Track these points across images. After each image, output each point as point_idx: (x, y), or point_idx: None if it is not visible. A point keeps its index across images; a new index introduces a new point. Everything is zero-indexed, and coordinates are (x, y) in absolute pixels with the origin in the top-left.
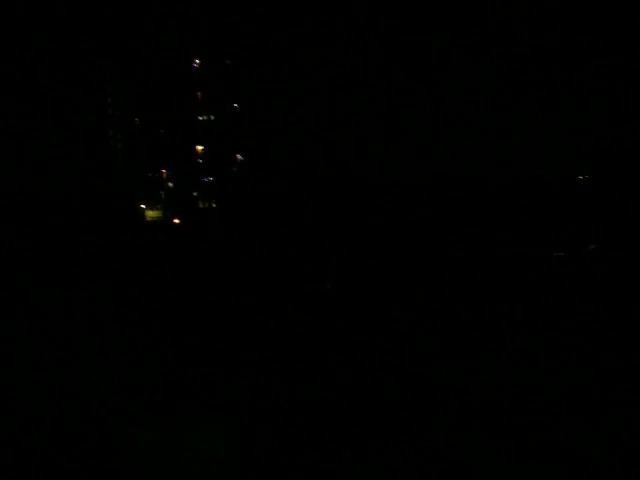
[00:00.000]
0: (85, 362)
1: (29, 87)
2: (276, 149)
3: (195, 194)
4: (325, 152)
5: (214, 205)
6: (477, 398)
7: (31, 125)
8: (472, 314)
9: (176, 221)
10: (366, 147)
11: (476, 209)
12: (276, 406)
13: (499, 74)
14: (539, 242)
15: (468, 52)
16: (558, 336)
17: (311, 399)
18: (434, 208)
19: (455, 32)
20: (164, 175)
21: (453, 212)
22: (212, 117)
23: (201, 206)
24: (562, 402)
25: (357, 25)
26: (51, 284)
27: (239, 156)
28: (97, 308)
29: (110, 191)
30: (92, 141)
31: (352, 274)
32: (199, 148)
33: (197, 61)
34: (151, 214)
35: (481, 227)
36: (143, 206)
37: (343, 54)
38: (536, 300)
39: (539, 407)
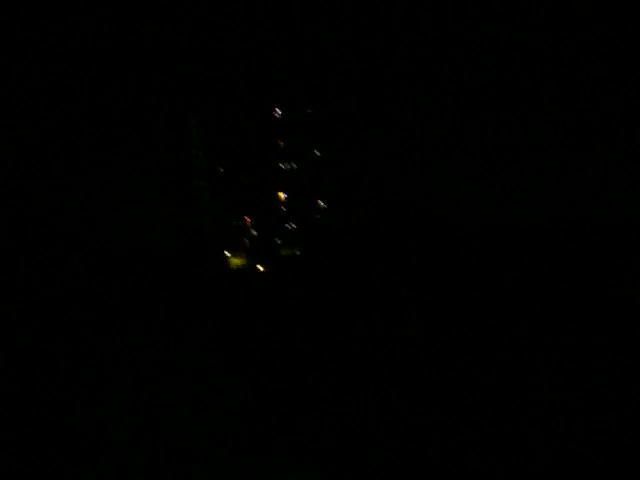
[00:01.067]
0: (176, 409)
1: (117, 139)
2: (358, 195)
3: (278, 241)
4: (408, 198)
5: (297, 252)
6: None
7: (117, 177)
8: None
9: (260, 268)
10: (450, 193)
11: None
12: (367, 456)
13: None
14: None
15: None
16: None
17: (395, 448)
18: (522, 255)
19: None
20: (248, 223)
21: (536, 260)
22: (294, 165)
23: (284, 253)
24: None
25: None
26: (140, 331)
27: (321, 203)
28: (184, 354)
29: (196, 239)
30: (177, 191)
31: (437, 319)
32: (282, 196)
33: (278, 110)
34: (235, 262)
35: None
36: (228, 254)
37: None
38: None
39: None
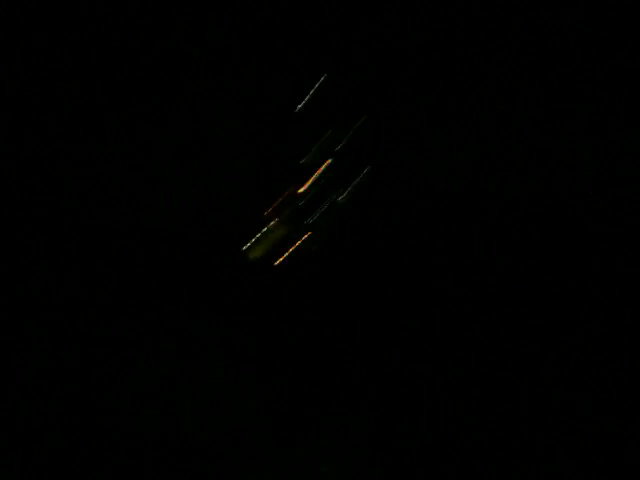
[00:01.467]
0: (197, 401)
1: (126, 125)
2: (377, 188)
3: (296, 233)
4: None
5: (315, 243)
6: None
7: (129, 164)
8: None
9: (277, 261)
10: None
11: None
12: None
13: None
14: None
15: None
16: None
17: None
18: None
19: None
20: (265, 214)
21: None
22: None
23: (301, 245)
24: None
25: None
26: (153, 322)
27: (339, 196)
28: (198, 345)
29: (212, 231)
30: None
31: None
32: (301, 189)
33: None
34: (253, 254)
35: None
36: (245, 246)
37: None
38: None
39: None
